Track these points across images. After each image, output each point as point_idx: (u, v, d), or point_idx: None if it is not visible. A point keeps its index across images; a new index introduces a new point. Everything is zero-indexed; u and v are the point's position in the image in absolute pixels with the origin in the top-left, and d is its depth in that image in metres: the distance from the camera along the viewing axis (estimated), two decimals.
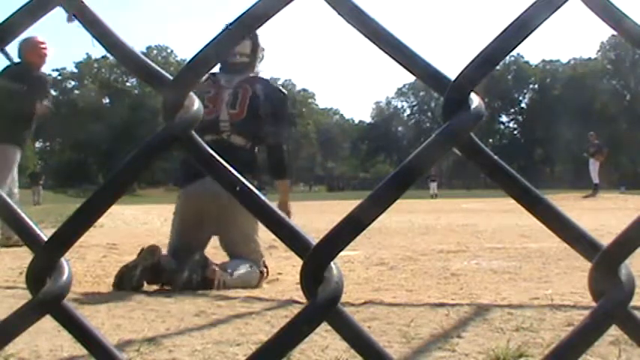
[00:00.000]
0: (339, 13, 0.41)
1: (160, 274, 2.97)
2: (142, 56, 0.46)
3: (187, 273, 2.94)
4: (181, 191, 3.34)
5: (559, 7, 0.39)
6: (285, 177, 3.43)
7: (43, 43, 5.27)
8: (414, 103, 72.08)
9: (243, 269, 3.11)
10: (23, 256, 4.07)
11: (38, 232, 0.45)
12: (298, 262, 0.38)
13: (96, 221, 0.43)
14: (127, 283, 2.96)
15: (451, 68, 0.42)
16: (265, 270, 3.22)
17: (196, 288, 2.91)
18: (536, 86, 66.65)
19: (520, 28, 0.38)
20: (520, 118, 68.01)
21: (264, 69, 3.58)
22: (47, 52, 5.34)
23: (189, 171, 3.22)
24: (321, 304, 0.37)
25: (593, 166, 16.70)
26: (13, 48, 5.18)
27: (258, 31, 3.38)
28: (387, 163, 65.74)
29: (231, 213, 3.17)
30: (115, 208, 0.45)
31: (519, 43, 0.39)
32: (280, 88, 3.55)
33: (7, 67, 5.35)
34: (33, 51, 5.16)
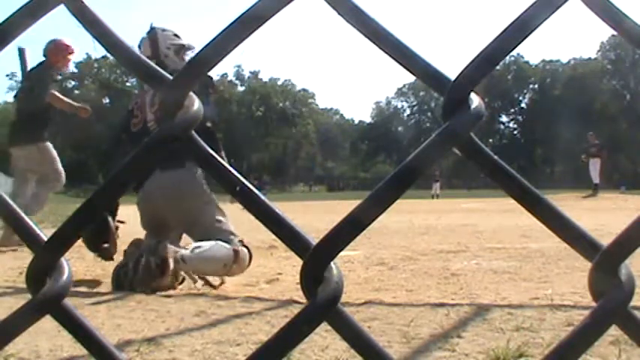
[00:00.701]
0: (339, 13, 0.41)
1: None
2: (142, 56, 0.46)
3: (144, 259, 2.89)
4: (137, 196, 3.37)
5: (559, 7, 0.39)
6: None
7: (69, 46, 5.26)
8: (414, 103, 72.07)
9: (207, 245, 3.00)
10: (23, 256, 4.07)
11: (38, 232, 0.45)
12: (298, 262, 0.38)
13: (96, 221, 0.43)
14: (125, 280, 2.95)
15: (451, 68, 0.42)
16: (244, 249, 3.09)
17: (158, 273, 2.85)
18: (536, 86, 66.65)
19: (520, 28, 0.38)
20: (520, 118, 67.99)
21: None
22: (71, 57, 5.37)
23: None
24: (321, 304, 0.37)
25: (594, 166, 16.73)
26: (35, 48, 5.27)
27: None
28: (387, 163, 65.75)
29: (182, 204, 3.19)
30: None
31: (519, 43, 0.39)
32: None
33: (32, 68, 5.44)
34: (57, 53, 5.18)
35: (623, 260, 0.36)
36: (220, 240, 3.08)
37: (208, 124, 3.26)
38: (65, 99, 5.38)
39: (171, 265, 2.87)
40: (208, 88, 3.40)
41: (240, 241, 3.17)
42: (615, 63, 62.00)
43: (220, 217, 3.24)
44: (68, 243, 0.43)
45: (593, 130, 19.74)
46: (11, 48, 0.48)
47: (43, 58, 5.30)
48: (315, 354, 1.69)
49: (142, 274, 2.88)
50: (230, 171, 0.42)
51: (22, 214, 0.46)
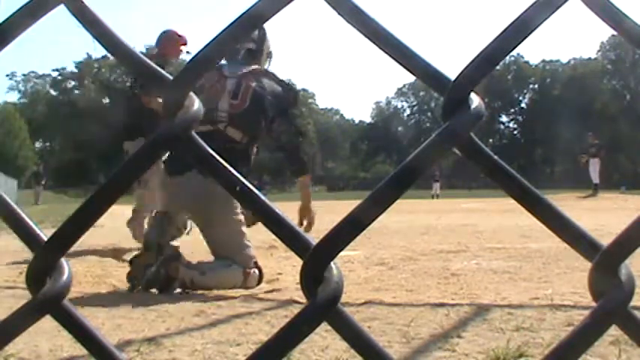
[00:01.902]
0: (339, 13, 0.41)
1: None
2: (142, 56, 0.46)
3: (156, 268, 2.90)
4: (166, 180, 3.20)
5: (559, 7, 0.39)
6: (303, 173, 3.29)
7: (181, 36, 5.02)
8: (414, 103, 72.10)
9: (219, 267, 3.00)
10: (23, 256, 4.07)
11: (38, 232, 0.45)
12: (298, 262, 0.38)
13: (96, 221, 0.43)
14: (153, 280, 2.94)
15: (451, 68, 0.42)
16: (256, 270, 3.07)
17: (162, 284, 2.87)
18: (536, 86, 66.66)
19: (520, 28, 0.38)
20: (520, 118, 68.00)
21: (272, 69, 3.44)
22: (184, 48, 5.06)
23: (174, 163, 3.11)
24: (321, 304, 0.37)
25: (593, 167, 16.74)
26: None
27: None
28: (387, 163, 65.75)
29: (210, 215, 3.06)
30: (115, 208, 0.45)
31: (519, 43, 0.39)
32: (291, 85, 3.38)
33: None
34: (170, 44, 4.93)
35: (623, 260, 0.36)
36: (235, 262, 3.03)
37: (299, 145, 3.26)
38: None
39: (176, 286, 2.89)
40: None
41: (255, 263, 3.11)
42: (615, 63, 62.02)
43: (243, 238, 3.11)
44: (68, 243, 0.43)
45: (593, 130, 19.81)
46: (11, 48, 0.48)
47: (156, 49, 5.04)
48: (315, 354, 1.69)
49: (149, 278, 2.91)
50: (230, 171, 0.42)
51: (23, 214, 0.46)
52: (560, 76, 64.54)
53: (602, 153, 17.06)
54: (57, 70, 64.31)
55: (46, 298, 0.42)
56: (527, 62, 66.63)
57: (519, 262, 3.73)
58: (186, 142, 0.42)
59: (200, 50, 0.43)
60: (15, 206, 0.46)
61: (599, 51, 64.28)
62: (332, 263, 0.38)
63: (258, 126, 3.15)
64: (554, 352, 0.35)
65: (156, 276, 2.89)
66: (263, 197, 0.41)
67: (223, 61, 3.31)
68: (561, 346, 0.35)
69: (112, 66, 61.07)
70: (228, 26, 0.42)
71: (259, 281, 3.08)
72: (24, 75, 64.80)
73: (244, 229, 3.14)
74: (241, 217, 3.13)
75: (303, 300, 0.38)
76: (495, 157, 0.39)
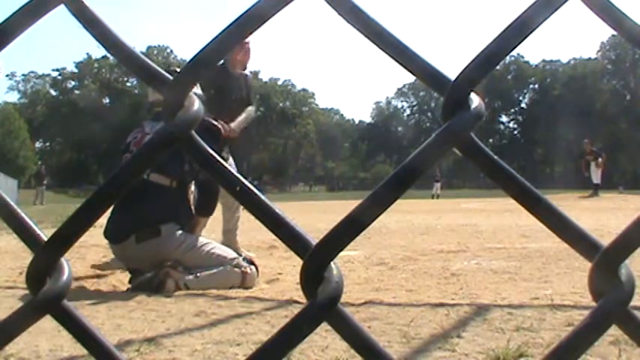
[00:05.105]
0: (339, 13, 0.41)
1: None
2: (143, 57, 0.46)
3: (153, 273, 2.99)
4: (110, 245, 3.33)
5: (559, 7, 0.38)
6: (206, 216, 3.38)
7: (246, 42, 4.77)
8: (414, 103, 72.10)
9: (213, 269, 3.07)
10: (23, 256, 4.07)
11: (38, 232, 0.45)
12: (298, 262, 0.38)
13: (96, 221, 0.43)
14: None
15: (451, 68, 0.42)
16: (252, 267, 3.15)
17: (154, 289, 2.91)
18: (536, 86, 66.65)
19: (520, 28, 0.38)
20: (520, 118, 67.98)
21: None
22: (250, 50, 4.90)
23: (110, 231, 3.19)
24: (321, 304, 0.37)
25: (594, 168, 16.74)
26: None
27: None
28: (387, 163, 65.75)
29: (169, 257, 3.09)
30: None
31: (519, 43, 0.39)
32: (210, 124, 3.34)
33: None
34: (237, 49, 4.64)
35: (623, 260, 0.36)
36: (225, 265, 3.11)
37: (214, 189, 3.27)
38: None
39: (172, 287, 2.92)
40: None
41: (245, 259, 3.19)
42: (615, 63, 61.98)
43: (211, 249, 3.20)
44: (68, 243, 0.43)
45: (593, 131, 19.80)
46: (11, 48, 0.48)
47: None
48: (315, 354, 1.69)
49: (141, 282, 3.00)
50: (230, 171, 0.42)
51: (23, 214, 0.46)
52: (560, 76, 64.50)
53: (600, 161, 17.02)
54: (57, 70, 64.37)
55: (46, 298, 0.42)
56: (527, 62, 66.61)
57: (519, 262, 3.73)
58: (186, 142, 0.42)
59: (200, 50, 0.43)
60: (15, 206, 0.46)
61: (599, 51, 64.27)
62: (332, 263, 0.38)
63: (180, 170, 3.18)
64: (554, 352, 0.35)
65: (149, 281, 2.96)
66: (263, 197, 0.41)
67: (145, 121, 3.46)
68: (561, 346, 0.35)
69: (112, 66, 61.09)
70: (229, 26, 0.42)
71: (257, 275, 3.16)
72: (24, 75, 64.80)
73: (208, 244, 3.21)
74: (193, 239, 3.18)
75: (303, 300, 0.38)
76: (495, 157, 0.39)
